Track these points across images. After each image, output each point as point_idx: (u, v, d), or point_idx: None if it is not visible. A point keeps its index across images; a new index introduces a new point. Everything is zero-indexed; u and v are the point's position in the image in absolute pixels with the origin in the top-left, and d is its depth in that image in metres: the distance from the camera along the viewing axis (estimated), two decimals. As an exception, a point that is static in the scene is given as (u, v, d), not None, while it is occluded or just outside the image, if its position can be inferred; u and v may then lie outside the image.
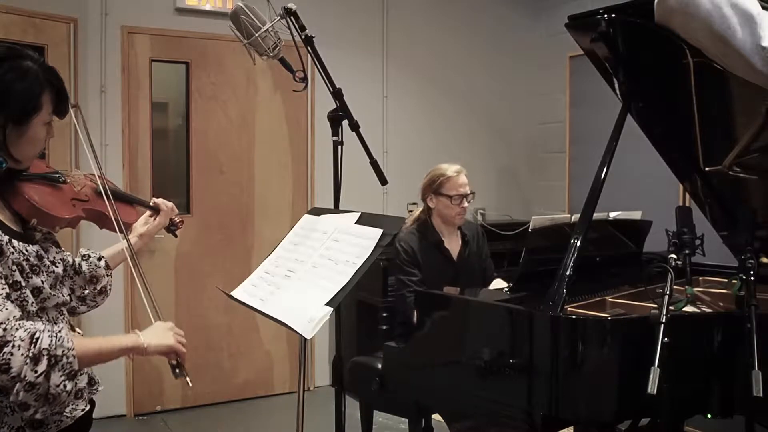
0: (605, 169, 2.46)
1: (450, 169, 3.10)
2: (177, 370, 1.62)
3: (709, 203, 2.85)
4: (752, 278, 2.10)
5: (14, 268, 1.45)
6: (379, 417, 3.65)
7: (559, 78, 5.18)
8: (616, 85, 2.66)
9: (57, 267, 1.61)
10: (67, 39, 4.06)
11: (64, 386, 1.39)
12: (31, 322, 1.40)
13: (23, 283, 1.46)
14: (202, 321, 4.53)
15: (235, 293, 2.02)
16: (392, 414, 3.46)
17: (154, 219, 1.99)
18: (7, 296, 1.40)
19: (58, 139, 1.73)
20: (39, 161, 1.66)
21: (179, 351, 1.61)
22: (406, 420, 3.20)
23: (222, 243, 4.58)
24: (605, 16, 2.37)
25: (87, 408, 1.62)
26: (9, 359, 1.33)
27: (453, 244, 3.18)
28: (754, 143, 2.26)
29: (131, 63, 4.29)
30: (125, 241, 1.81)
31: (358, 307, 4.46)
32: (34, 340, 1.35)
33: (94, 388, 1.68)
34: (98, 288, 1.81)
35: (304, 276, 1.88)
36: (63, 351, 1.39)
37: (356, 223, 1.93)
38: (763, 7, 2.01)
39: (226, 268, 4.48)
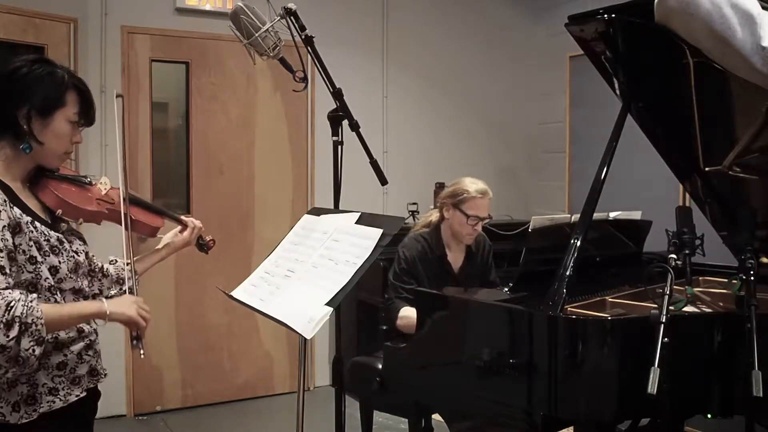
0: (605, 169, 2.46)
1: (474, 187, 2.98)
2: (134, 342, 1.73)
3: (709, 203, 2.85)
4: (752, 278, 2.10)
5: (31, 244, 1.61)
6: (379, 417, 3.65)
7: (559, 78, 5.18)
8: (616, 85, 2.66)
9: (79, 256, 1.75)
10: (67, 39, 4.06)
11: (33, 350, 1.53)
12: (9, 291, 1.53)
13: (39, 259, 1.62)
14: (202, 321, 4.53)
15: (235, 293, 2.02)
16: (392, 414, 3.46)
17: (182, 233, 2.11)
18: (1, 268, 1.53)
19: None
20: (69, 170, 1.85)
21: (138, 323, 1.71)
22: (406, 420, 3.20)
23: (222, 243, 4.55)
24: (605, 16, 2.37)
25: (82, 395, 1.72)
26: None
27: (456, 257, 3.12)
28: (754, 143, 2.26)
29: (131, 63, 4.29)
30: (125, 233, 1.88)
31: (358, 307, 4.46)
32: (9, 308, 1.49)
33: (96, 378, 1.78)
34: (124, 289, 1.90)
35: (304, 276, 1.88)
36: (32, 319, 1.52)
37: (356, 223, 1.93)
38: (763, 7, 2.02)
39: (226, 268, 4.48)
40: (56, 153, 1.72)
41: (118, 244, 1.86)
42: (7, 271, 1.55)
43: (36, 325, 1.53)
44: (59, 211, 1.73)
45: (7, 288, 1.53)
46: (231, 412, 4.50)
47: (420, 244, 3.06)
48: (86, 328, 1.76)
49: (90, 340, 1.76)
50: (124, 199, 1.85)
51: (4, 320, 1.48)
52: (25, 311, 1.51)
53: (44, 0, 3.96)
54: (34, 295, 1.58)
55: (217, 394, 4.60)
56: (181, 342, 4.49)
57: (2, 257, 1.54)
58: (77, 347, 1.72)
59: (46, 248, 1.64)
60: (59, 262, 1.67)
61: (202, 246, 2.20)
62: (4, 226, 1.55)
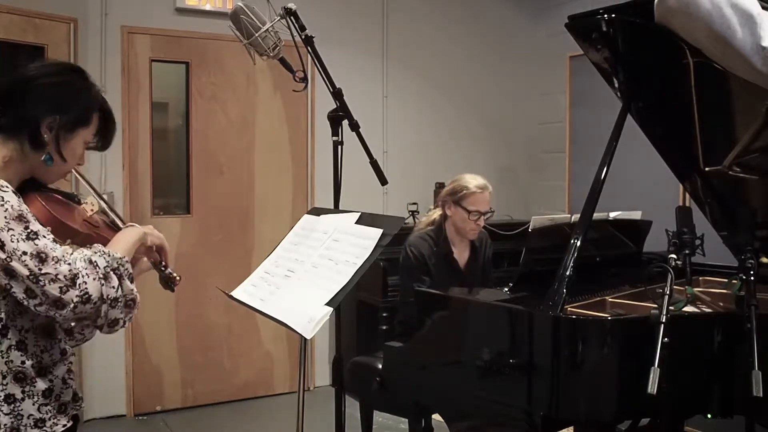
0: (605, 169, 2.46)
1: (474, 183, 3.03)
2: (164, 269, 1.73)
3: (709, 203, 2.85)
4: (752, 278, 2.10)
5: None
6: (379, 417, 3.65)
7: (559, 78, 5.18)
8: (616, 85, 2.66)
9: None
10: (67, 39, 4.06)
11: (133, 289, 1.52)
12: (78, 251, 1.48)
13: None
14: (202, 321, 4.53)
15: (235, 293, 2.02)
16: (392, 414, 3.46)
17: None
18: (54, 240, 1.45)
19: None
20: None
21: (165, 245, 1.74)
22: (406, 420, 3.20)
23: (222, 243, 4.58)
24: (605, 16, 2.38)
25: (68, 424, 1.58)
26: (86, 288, 1.41)
27: (462, 253, 3.16)
28: (754, 143, 2.26)
29: (131, 63, 4.29)
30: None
31: (358, 307, 4.46)
32: (94, 263, 1.45)
33: (78, 404, 1.64)
34: None
35: (304, 276, 1.88)
36: (118, 262, 1.50)
37: (356, 223, 1.93)
38: (763, 7, 2.02)
39: (226, 268, 4.48)
40: (62, 171, 1.62)
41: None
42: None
43: (123, 266, 1.50)
44: (48, 229, 1.57)
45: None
46: (231, 412, 4.49)
47: (426, 243, 3.09)
48: (68, 348, 1.62)
49: (71, 362, 1.62)
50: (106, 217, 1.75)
51: (101, 275, 1.44)
52: (107, 259, 1.48)
53: (44, 0, 3.96)
54: (99, 245, 1.53)
55: (217, 394, 4.60)
56: (181, 342, 4.49)
57: (48, 234, 1.45)
58: (61, 371, 1.56)
59: None
60: None
61: (169, 284, 1.85)
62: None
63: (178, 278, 1.75)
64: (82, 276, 1.42)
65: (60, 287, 1.39)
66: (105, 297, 1.44)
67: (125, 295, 1.49)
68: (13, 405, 1.47)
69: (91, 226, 1.70)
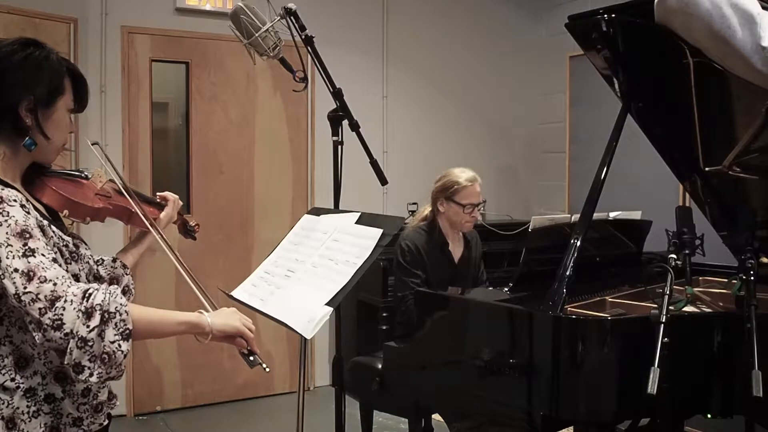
0: (605, 169, 2.46)
1: (463, 177, 3.06)
2: (251, 358, 1.57)
3: (709, 203, 2.85)
4: (752, 278, 2.10)
5: (55, 250, 1.44)
6: (379, 417, 3.65)
7: (559, 78, 5.18)
8: (616, 85, 2.66)
9: (90, 261, 1.62)
10: (67, 39, 4.05)
11: (119, 345, 1.35)
12: (83, 283, 1.40)
13: (63, 267, 1.43)
14: (202, 321, 4.53)
15: (235, 293, 2.01)
16: (392, 414, 3.45)
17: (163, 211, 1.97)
18: (54, 260, 1.38)
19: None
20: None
21: (246, 334, 1.58)
22: (406, 420, 3.20)
23: (222, 243, 4.58)
24: (605, 16, 2.38)
25: (105, 423, 1.61)
26: (61, 314, 1.31)
27: (456, 248, 3.18)
28: (754, 143, 2.25)
29: (131, 63, 4.29)
30: (156, 233, 1.78)
31: (358, 307, 4.46)
32: (87, 296, 1.33)
33: (113, 402, 1.65)
34: (121, 288, 1.79)
35: (304, 276, 1.88)
36: (116, 307, 1.36)
37: (356, 223, 1.93)
38: (763, 7, 2.02)
39: (226, 268, 4.48)
40: (57, 147, 1.55)
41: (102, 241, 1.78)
42: (62, 263, 1.41)
43: (120, 314, 1.35)
44: (65, 212, 1.57)
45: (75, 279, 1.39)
46: (231, 412, 4.49)
47: (421, 235, 3.10)
48: None
49: None
50: (126, 192, 1.71)
51: (83, 308, 1.31)
52: (107, 299, 1.35)
53: (44, 0, 3.96)
54: (116, 286, 1.43)
55: (217, 394, 4.60)
56: (181, 342, 4.48)
57: (51, 250, 1.40)
58: None
59: (67, 255, 1.49)
60: (79, 270, 1.53)
61: (189, 231, 2.05)
62: (37, 226, 1.41)
63: (265, 368, 1.58)
64: (65, 300, 1.31)
65: (39, 308, 1.31)
66: (74, 332, 1.30)
67: (104, 345, 1.33)
68: (53, 404, 1.47)
69: (104, 198, 1.69)
